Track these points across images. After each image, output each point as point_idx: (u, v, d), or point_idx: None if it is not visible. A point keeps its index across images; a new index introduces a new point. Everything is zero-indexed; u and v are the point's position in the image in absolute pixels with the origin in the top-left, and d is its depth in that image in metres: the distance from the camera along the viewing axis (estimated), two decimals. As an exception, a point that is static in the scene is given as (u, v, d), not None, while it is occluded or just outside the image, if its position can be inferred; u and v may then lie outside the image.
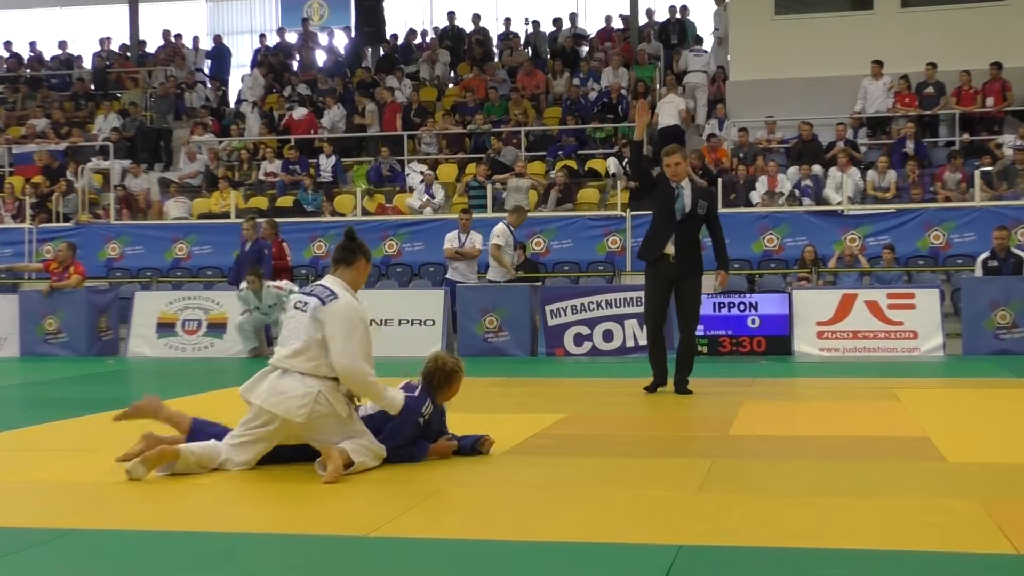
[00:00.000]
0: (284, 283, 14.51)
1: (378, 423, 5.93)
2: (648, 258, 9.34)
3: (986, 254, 14.07)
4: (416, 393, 6.00)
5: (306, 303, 5.80)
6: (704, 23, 23.92)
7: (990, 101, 19.15)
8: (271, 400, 5.66)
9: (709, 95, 21.35)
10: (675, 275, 9.20)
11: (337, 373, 5.71)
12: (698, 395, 9.28)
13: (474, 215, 18.31)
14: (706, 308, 13.83)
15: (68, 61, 27.34)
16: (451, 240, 15.38)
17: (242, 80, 25.05)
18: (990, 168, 17.53)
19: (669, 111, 20.17)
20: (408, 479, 5.50)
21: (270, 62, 24.89)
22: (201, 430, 5.87)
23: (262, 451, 5.76)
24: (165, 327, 15.28)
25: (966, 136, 19.13)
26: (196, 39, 27.74)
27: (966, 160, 17.98)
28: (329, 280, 5.93)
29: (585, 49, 24.38)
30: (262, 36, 27.25)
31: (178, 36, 27.13)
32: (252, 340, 14.58)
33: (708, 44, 22.94)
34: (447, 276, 15.59)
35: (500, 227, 14.85)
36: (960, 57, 19.22)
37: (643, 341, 12.93)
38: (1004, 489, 5.12)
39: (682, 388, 9.27)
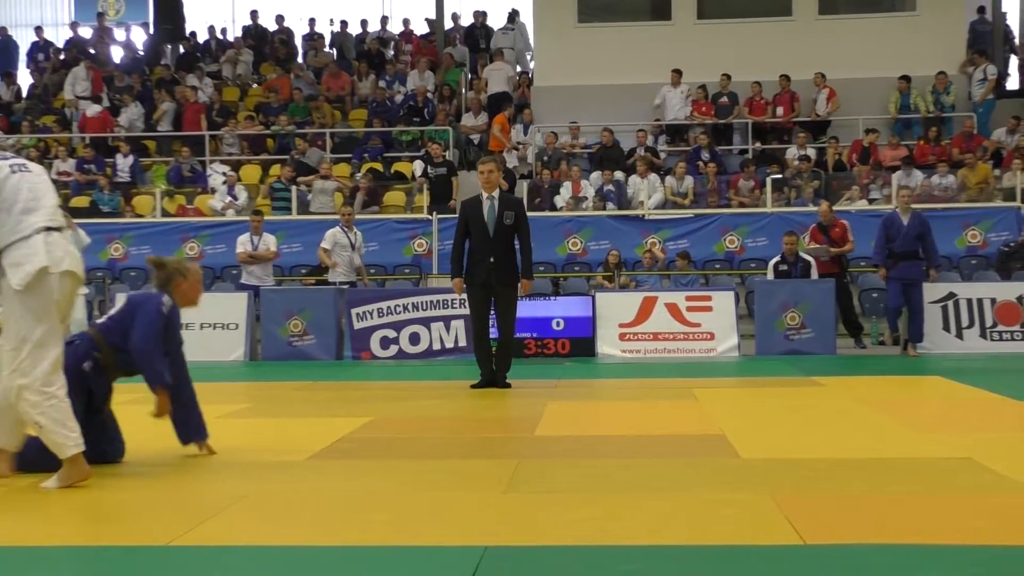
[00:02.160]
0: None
1: (124, 324, 5.93)
2: (476, 281, 9.98)
3: (777, 258, 14.66)
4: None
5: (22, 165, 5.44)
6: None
7: (780, 111, 19.99)
8: (76, 262, 5.39)
9: (516, 99, 21.63)
10: (493, 283, 9.91)
11: None
12: (504, 397, 9.48)
13: (280, 217, 18.07)
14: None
15: None
16: (243, 243, 15.05)
17: (24, 71, 23.99)
18: (780, 176, 18.31)
19: (497, 78, 21.08)
20: (210, 485, 5.38)
21: (62, 58, 23.93)
22: None
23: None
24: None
25: (758, 145, 19.92)
26: (-21, 30, 26.44)
27: (758, 168, 18.73)
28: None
29: (391, 52, 24.33)
30: (38, 28, 25.98)
31: (-41, 27, 25.80)
32: None
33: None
34: (242, 281, 15.14)
35: (330, 232, 14.72)
36: (752, 69, 20.02)
37: (449, 344, 13.62)
38: (792, 483, 5.34)
39: (502, 383, 9.98)
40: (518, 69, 22.55)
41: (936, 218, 16.54)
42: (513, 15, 23.16)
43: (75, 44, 25.02)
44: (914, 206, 14.22)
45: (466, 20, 24.72)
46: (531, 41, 22.57)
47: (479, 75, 22.23)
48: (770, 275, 14.59)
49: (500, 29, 23.11)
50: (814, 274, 14.17)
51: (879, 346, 13.78)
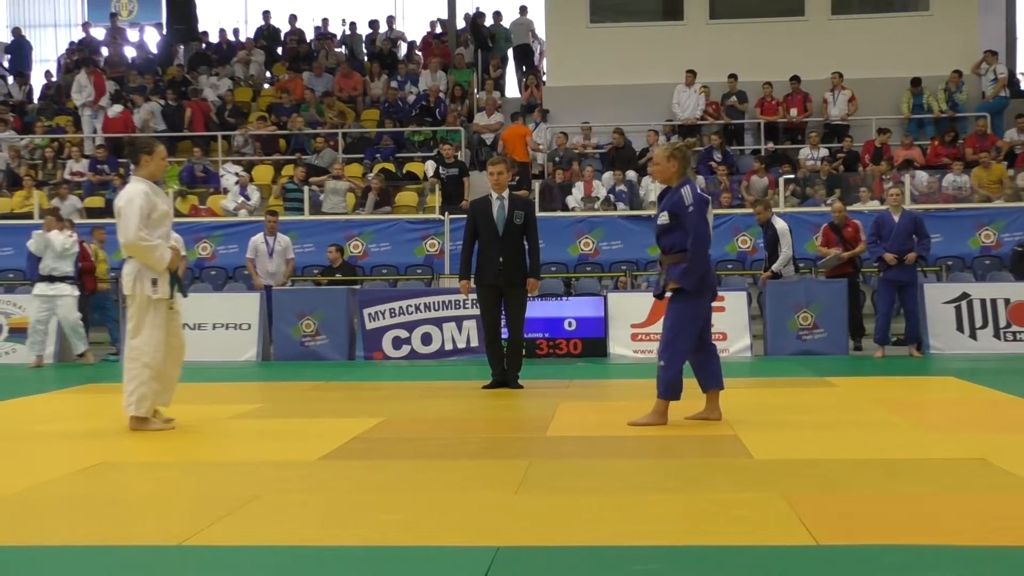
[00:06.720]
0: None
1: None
2: (485, 282, 10.00)
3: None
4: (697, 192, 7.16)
5: None
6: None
7: (793, 112, 19.95)
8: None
9: (523, 100, 21.65)
10: (502, 284, 9.92)
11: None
12: (516, 397, 9.48)
13: (292, 218, 18.08)
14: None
15: None
16: (257, 244, 15.13)
17: (37, 72, 24.04)
18: (792, 176, 18.26)
19: (519, 31, 22.56)
20: (223, 485, 5.39)
21: (84, 59, 24.02)
22: None
23: None
24: (-36, 332, 14.57)
25: (770, 145, 19.88)
26: (-6, 31, 26.63)
27: (770, 167, 18.69)
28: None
29: (403, 52, 24.36)
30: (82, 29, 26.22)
31: (-25, 28, 25.97)
32: (39, 346, 13.98)
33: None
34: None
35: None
36: (764, 68, 19.99)
37: (461, 344, 13.65)
38: (805, 483, 5.33)
39: (513, 383, 10.01)
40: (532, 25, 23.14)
41: (949, 218, 16.51)
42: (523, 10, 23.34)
43: (86, 45, 25.10)
44: (927, 206, 14.11)
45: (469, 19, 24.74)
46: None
47: (490, 74, 22.25)
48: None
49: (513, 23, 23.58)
50: (783, 240, 13.88)
51: (894, 346, 13.70)
